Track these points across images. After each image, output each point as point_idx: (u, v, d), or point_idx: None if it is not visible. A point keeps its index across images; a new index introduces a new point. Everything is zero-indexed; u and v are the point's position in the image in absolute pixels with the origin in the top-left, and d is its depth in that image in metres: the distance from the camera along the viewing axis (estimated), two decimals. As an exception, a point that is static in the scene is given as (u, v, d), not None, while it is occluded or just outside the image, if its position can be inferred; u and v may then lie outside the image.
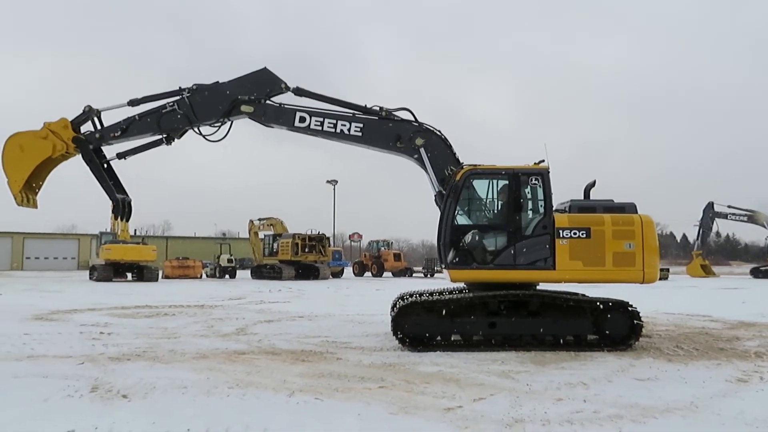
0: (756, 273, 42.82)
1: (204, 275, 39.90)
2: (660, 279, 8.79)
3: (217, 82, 9.30)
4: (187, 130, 9.50)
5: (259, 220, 40.60)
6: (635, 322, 7.99)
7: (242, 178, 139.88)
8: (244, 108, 9.13)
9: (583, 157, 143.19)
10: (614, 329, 8.02)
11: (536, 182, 8.22)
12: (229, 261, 40.20)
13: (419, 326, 8.04)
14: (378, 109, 8.96)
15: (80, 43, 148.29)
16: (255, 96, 9.12)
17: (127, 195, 9.92)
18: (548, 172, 8.22)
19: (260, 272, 37.41)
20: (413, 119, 8.93)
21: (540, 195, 8.19)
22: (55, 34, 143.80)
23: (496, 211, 8.56)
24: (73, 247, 63.84)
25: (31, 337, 9.03)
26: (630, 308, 8.06)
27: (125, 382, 5.87)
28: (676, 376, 6.39)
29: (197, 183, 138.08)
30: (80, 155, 9.45)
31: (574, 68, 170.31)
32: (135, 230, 47.22)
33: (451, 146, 8.85)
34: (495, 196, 8.51)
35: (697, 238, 44.98)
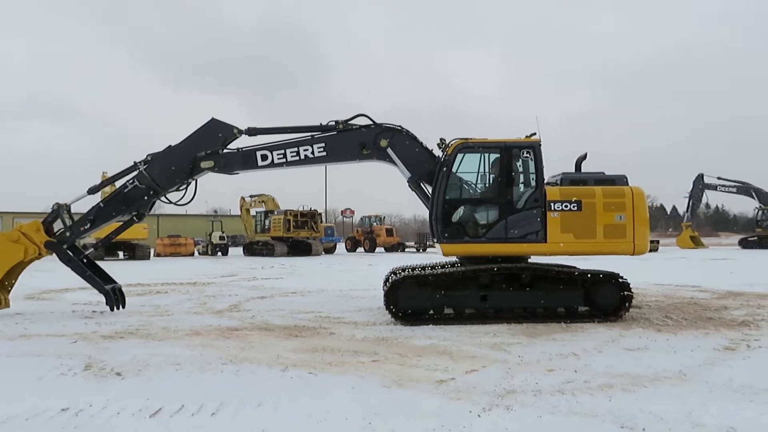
0: (744, 243, 43.25)
1: (196, 253, 39.86)
2: (650, 251, 8.86)
3: (170, 146, 9.14)
4: (155, 201, 9.40)
5: (251, 196, 40.39)
6: (625, 293, 8.07)
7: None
8: (204, 164, 8.96)
9: (573, 129, 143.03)
10: (605, 301, 8.10)
11: (528, 155, 8.20)
12: (221, 238, 40.15)
13: (412, 300, 8.08)
14: (334, 123, 8.84)
15: (55, 16, 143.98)
16: (210, 149, 8.97)
17: (116, 282, 9.73)
18: (540, 145, 8.20)
19: (252, 249, 37.41)
20: (372, 123, 8.82)
21: (531, 168, 8.19)
22: (26, 11, 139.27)
23: (487, 185, 8.55)
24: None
25: (23, 317, 9.03)
26: (620, 280, 8.13)
27: (119, 359, 5.88)
28: (665, 346, 6.47)
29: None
30: (56, 257, 9.25)
31: (564, 40, 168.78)
32: (125, 208, 46.89)
33: (416, 138, 8.79)
34: (487, 169, 8.49)
35: (687, 210, 45.24)
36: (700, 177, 43.81)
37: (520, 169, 8.31)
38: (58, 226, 9.44)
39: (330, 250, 41.73)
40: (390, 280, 8.40)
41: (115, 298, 9.36)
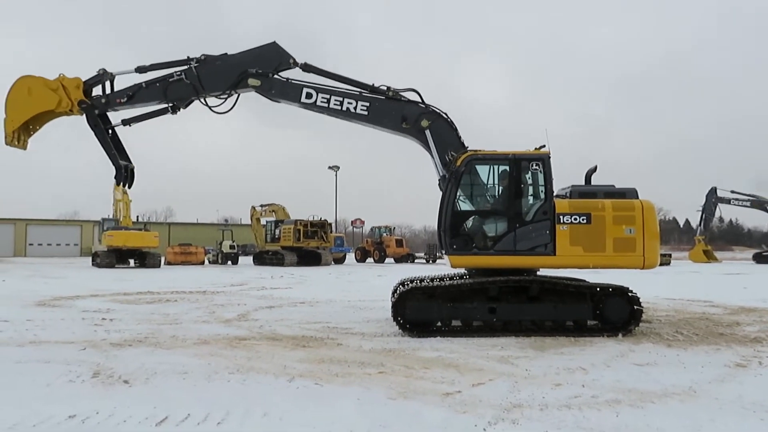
0: (759, 258, 42.77)
1: (206, 261, 40.03)
2: (662, 264, 8.81)
3: (226, 53, 9.30)
4: (193, 101, 9.51)
5: (261, 206, 40.59)
6: (635, 307, 8.00)
7: (244, 164, 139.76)
8: (251, 81, 9.08)
9: (582, 138, 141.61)
10: (614, 315, 8.03)
11: (537, 167, 8.19)
12: (232, 247, 40.31)
13: (419, 312, 8.06)
14: (385, 88, 8.91)
15: (55, 14, 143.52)
16: (263, 70, 9.09)
17: (131, 162, 9.93)
18: (549, 158, 8.19)
19: (262, 258, 37.53)
20: (420, 101, 8.88)
21: (541, 180, 8.17)
22: (28, 7, 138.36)
23: (496, 197, 8.54)
24: (75, 233, 63.97)
25: (33, 323, 9.10)
26: (630, 294, 8.07)
27: (127, 367, 5.91)
28: (675, 361, 6.41)
29: (199, 168, 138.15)
30: (85, 118, 9.49)
31: (569, 46, 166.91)
32: (137, 217, 47.27)
33: (456, 130, 8.81)
34: (496, 181, 8.48)
35: (700, 224, 44.90)
36: (713, 190, 43.51)
37: (529, 182, 8.30)
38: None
39: (339, 260, 41.80)
40: (398, 292, 8.39)
41: (125, 175, 9.60)
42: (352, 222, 62.42)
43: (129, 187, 9.85)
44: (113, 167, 9.62)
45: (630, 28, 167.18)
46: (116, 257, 31.68)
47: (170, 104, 9.46)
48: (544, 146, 8.38)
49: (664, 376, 5.65)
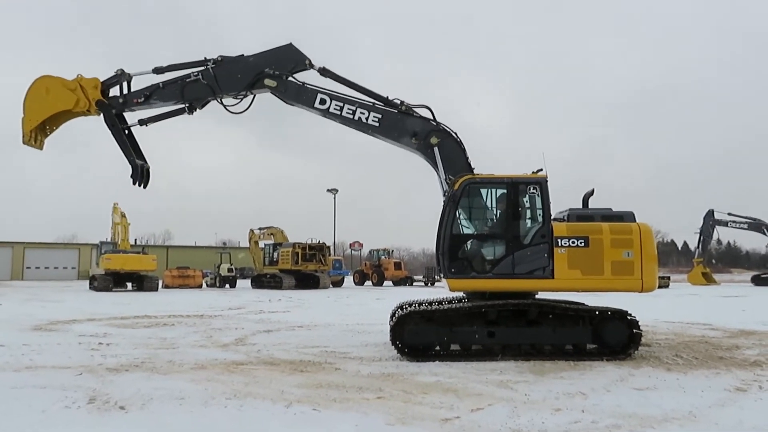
0: (757, 280, 42.81)
1: (204, 285, 39.87)
2: (660, 287, 8.81)
3: (242, 54, 9.44)
4: (209, 101, 9.64)
5: (260, 229, 40.63)
6: (634, 331, 7.98)
7: (243, 187, 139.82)
8: (267, 82, 9.21)
9: (580, 160, 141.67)
10: (613, 338, 8.00)
11: (534, 191, 8.23)
12: (230, 270, 40.18)
13: (418, 336, 8.03)
14: (399, 102, 9.03)
15: (53, 37, 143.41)
16: (279, 71, 9.21)
17: (146, 162, 10.00)
18: (546, 181, 8.23)
19: (260, 281, 37.40)
20: (432, 118, 8.99)
21: (538, 204, 8.20)
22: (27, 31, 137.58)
23: (494, 220, 8.57)
24: (73, 256, 63.78)
25: (30, 348, 9.03)
26: (629, 317, 8.05)
27: (123, 393, 5.86)
28: (675, 386, 6.37)
29: (198, 191, 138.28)
30: (102, 118, 9.60)
31: (566, 67, 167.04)
32: (135, 240, 47.32)
33: (465, 150, 8.90)
34: (493, 205, 8.52)
35: (698, 246, 44.99)
36: (711, 213, 43.70)
37: (527, 205, 8.33)
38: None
39: (338, 284, 41.68)
40: (396, 315, 8.36)
41: (141, 175, 9.62)
42: (350, 245, 62.37)
43: (144, 187, 9.87)
44: (129, 166, 9.68)
45: (630, 50, 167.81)
46: (114, 281, 31.55)
47: (187, 104, 9.60)
48: (541, 170, 8.43)
49: (664, 401, 5.61)
